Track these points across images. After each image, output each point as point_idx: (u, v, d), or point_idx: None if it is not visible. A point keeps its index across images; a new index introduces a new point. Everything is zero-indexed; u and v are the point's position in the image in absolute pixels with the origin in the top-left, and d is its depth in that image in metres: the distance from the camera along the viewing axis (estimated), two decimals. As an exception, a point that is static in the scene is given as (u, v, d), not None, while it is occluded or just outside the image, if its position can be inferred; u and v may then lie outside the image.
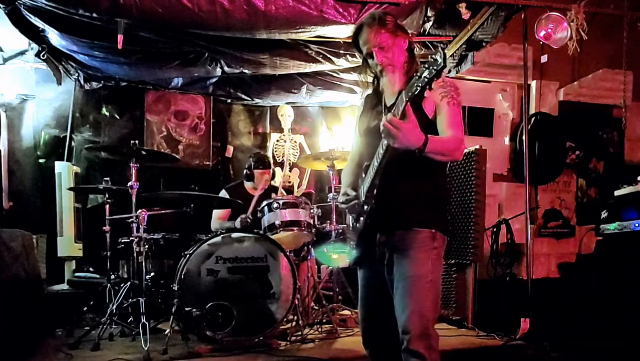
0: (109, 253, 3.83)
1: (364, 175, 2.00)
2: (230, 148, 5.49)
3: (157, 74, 4.73)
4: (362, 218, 2.01)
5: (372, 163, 1.92)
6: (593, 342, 3.48)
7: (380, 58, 1.94)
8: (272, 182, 5.42)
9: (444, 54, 1.60)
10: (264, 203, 3.80)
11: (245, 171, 4.41)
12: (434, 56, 1.62)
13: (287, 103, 5.55)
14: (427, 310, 1.82)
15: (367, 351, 2.10)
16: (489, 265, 4.63)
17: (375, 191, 1.92)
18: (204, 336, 3.25)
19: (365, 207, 1.96)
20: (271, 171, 4.40)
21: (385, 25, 1.96)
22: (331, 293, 4.13)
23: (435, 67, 1.60)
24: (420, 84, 1.64)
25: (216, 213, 4.39)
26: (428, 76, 1.62)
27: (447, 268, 4.19)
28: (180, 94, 5.27)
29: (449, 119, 1.88)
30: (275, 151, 5.60)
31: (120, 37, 3.60)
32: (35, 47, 4.13)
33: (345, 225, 2.13)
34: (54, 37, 3.90)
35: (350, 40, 3.98)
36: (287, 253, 3.48)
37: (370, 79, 2.12)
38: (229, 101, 5.41)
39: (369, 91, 2.15)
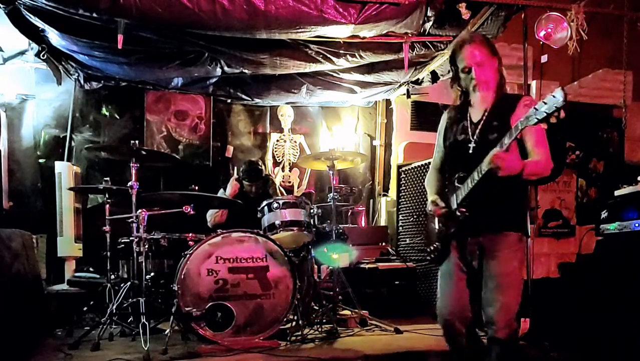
0: (109, 253, 3.83)
1: (457, 184, 2.16)
2: (230, 148, 5.49)
3: (157, 74, 4.73)
4: (450, 224, 2.21)
5: (471, 177, 2.08)
6: (593, 342, 3.48)
7: (479, 75, 2.10)
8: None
9: (565, 93, 1.69)
10: (264, 203, 3.80)
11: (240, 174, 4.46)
12: (554, 93, 1.71)
13: (287, 103, 5.55)
14: (513, 304, 2.08)
15: (451, 346, 2.24)
16: (489, 265, 4.62)
17: (470, 200, 2.10)
18: (204, 336, 3.25)
19: (458, 214, 2.15)
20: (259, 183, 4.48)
21: (486, 44, 2.12)
22: (331, 293, 4.12)
23: (556, 105, 1.70)
24: (537, 117, 1.76)
25: (212, 212, 4.39)
26: (547, 112, 1.73)
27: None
28: (180, 94, 5.26)
29: (536, 138, 2.06)
30: (275, 151, 5.60)
31: (120, 37, 3.60)
32: (35, 47, 4.13)
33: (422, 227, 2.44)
34: (54, 37, 3.90)
35: (350, 40, 4.07)
36: (287, 253, 3.48)
37: (458, 93, 2.24)
38: (229, 101, 5.41)
39: (457, 102, 2.27)
